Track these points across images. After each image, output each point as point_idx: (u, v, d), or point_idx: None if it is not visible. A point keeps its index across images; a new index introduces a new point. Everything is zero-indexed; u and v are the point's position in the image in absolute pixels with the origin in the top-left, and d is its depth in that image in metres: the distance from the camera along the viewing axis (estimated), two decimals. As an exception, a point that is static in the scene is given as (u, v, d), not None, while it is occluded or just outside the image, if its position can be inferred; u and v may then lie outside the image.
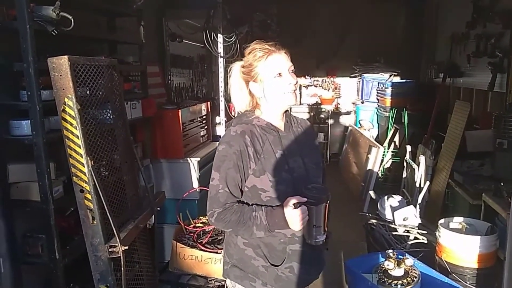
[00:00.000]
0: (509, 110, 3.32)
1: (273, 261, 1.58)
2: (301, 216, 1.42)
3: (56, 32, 2.04)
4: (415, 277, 2.17)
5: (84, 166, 1.90)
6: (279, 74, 1.55)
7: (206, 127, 4.15)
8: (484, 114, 4.19)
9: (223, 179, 1.52)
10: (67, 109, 1.87)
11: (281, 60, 1.56)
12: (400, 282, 2.16)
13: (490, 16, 4.08)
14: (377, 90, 7.09)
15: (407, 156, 4.56)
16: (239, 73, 1.63)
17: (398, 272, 2.20)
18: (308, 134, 1.73)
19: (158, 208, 2.53)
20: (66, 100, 1.86)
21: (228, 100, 4.48)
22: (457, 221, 2.80)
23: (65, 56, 1.83)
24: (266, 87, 1.56)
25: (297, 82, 1.58)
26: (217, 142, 1.64)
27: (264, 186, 1.53)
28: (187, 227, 2.78)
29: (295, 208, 1.42)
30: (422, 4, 6.89)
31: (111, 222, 1.93)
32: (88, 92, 2.04)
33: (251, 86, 1.60)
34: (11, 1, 1.87)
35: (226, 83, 4.37)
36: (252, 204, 1.53)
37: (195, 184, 3.39)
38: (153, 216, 2.48)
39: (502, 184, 2.87)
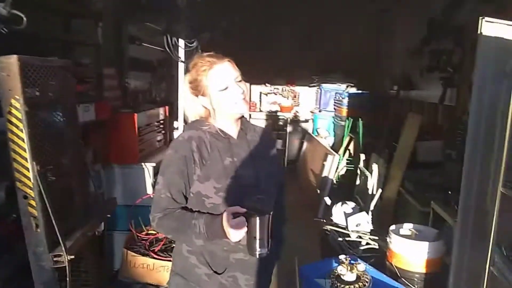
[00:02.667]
0: (459, 122, 3.49)
1: (216, 268, 1.55)
2: (238, 227, 1.36)
3: (6, 31, 1.94)
4: (367, 282, 2.23)
5: (29, 171, 1.82)
6: (225, 88, 1.52)
7: (163, 131, 4.07)
8: (434, 126, 4.39)
9: (166, 184, 1.51)
10: (14, 111, 1.78)
11: (224, 72, 1.53)
12: (352, 287, 2.20)
13: (443, 34, 4.28)
14: (334, 100, 7.27)
15: (361, 164, 4.69)
16: (188, 88, 1.60)
17: (350, 277, 2.25)
18: (265, 143, 1.68)
19: (108, 215, 2.45)
20: (13, 101, 1.78)
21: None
22: (407, 228, 2.90)
23: (15, 56, 1.75)
24: (213, 100, 1.54)
25: (244, 91, 1.54)
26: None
27: (207, 193, 1.50)
28: (139, 235, 2.70)
29: (234, 218, 1.38)
30: (380, 17, 7.12)
31: (56, 230, 1.85)
32: (37, 94, 1.95)
33: (201, 100, 1.58)
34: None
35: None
36: (195, 211, 1.50)
37: (149, 190, 3.31)
38: (103, 223, 2.40)
39: (450, 193, 2.99)
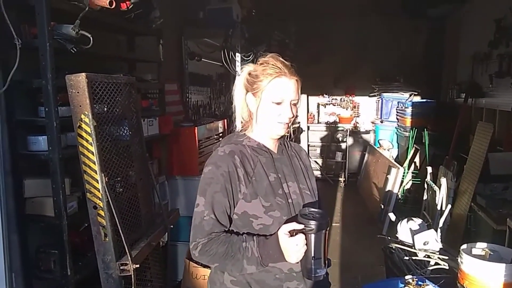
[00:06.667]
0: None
1: None
2: (298, 246, 1.23)
3: (75, 50, 2.08)
4: (436, 305, 2.08)
5: (98, 183, 1.91)
6: (279, 103, 1.40)
7: (222, 144, 4.14)
8: (508, 136, 4.07)
9: (209, 205, 1.34)
10: (83, 125, 1.89)
11: (287, 88, 1.41)
12: (420, 309, 2.06)
13: (513, 35, 4.01)
14: (396, 109, 7.00)
15: (428, 178, 4.44)
16: (245, 78, 1.48)
17: (417, 299, 2.11)
18: (302, 159, 1.59)
19: (172, 226, 2.51)
20: (82, 116, 1.88)
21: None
22: (480, 247, 2.68)
23: (83, 74, 1.86)
24: (260, 106, 1.42)
25: (293, 116, 1.43)
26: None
27: (256, 212, 1.35)
28: (201, 246, 2.73)
29: (290, 236, 1.24)
30: (443, 23, 6.83)
31: (123, 239, 1.92)
32: (105, 109, 2.06)
33: (248, 97, 1.46)
34: (32, 20, 1.92)
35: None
36: (243, 234, 1.35)
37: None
38: (166, 233, 2.46)
39: (528, 209, 2.75)
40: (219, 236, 1.33)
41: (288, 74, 1.42)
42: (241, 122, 1.52)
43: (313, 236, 1.24)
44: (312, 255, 1.25)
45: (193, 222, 1.37)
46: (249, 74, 1.46)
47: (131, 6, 2.49)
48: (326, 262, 1.29)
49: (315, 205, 1.46)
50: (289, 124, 1.45)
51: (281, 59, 1.46)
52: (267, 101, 1.41)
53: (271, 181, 1.40)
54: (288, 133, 1.49)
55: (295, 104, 1.45)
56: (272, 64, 1.42)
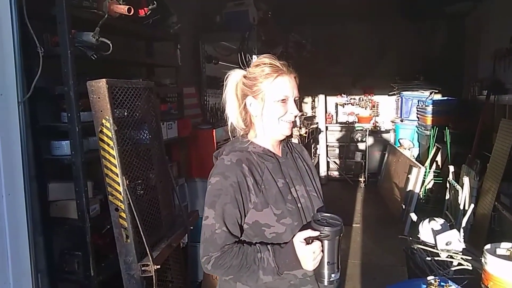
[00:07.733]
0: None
1: None
2: (315, 253, 1.23)
3: (96, 57, 2.14)
4: (459, 306, 2.04)
5: (119, 185, 1.95)
6: (284, 100, 1.39)
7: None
8: (532, 133, 3.95)
9: (219, 217, 1.31)
10: (105, 130, 1.93)
11: (289, 85, 1.40)
12: (443, 311, 2.03)
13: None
14: (417, 108, 6.89)
15: (450, 177, 4.37)
16: (239, 82, 1.44)
17: (440, 300, 2.08)
18: (305, 159, 1.57)
19: (192, 227, 2.54)
20: (103, 121, 1.92)
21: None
22: (505, 247, 2.62)
23: (104, 80, 1.90)
24: (265, 108, 1.40)
25: (297, 115, 1.43)
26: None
27: (268, 221, 1.33)
28: (220, 247, 2.75)
29: (307, 244, 1.24)
30: (462, 20, 6.70)
31: (144, 241, 1.95)
32: (125, 114, 2.10)
33: (248, 101, 1.42)
34: (54, 29, 1.99)
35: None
36: (255, 243, 1.33)
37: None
38: (186, 235, 2.49)
39: (555, 207, 2.67)
40: (232, 248, 1.30)
41: (287, 72, 1.41)
42: (236, 129, 1.48)
43: (328, 242, 1.25)
44: (327, 260, 1.26)
45: (203, 235, 1.34)
46: (245, 77, 1.44)
47: (149, 13, 2.54)
48: (340, 267, 1.29)
49: (322, 208, 1.45)
50: (294, 122, 1.44)
51: (275, 58, 1.44)
52: (272, 101, 1.39)
53: (280, 187, 1.38)
54: (292, 136, 1.45)
55: (296, 101, 1.44)
56: (270, 64, 1.40)
